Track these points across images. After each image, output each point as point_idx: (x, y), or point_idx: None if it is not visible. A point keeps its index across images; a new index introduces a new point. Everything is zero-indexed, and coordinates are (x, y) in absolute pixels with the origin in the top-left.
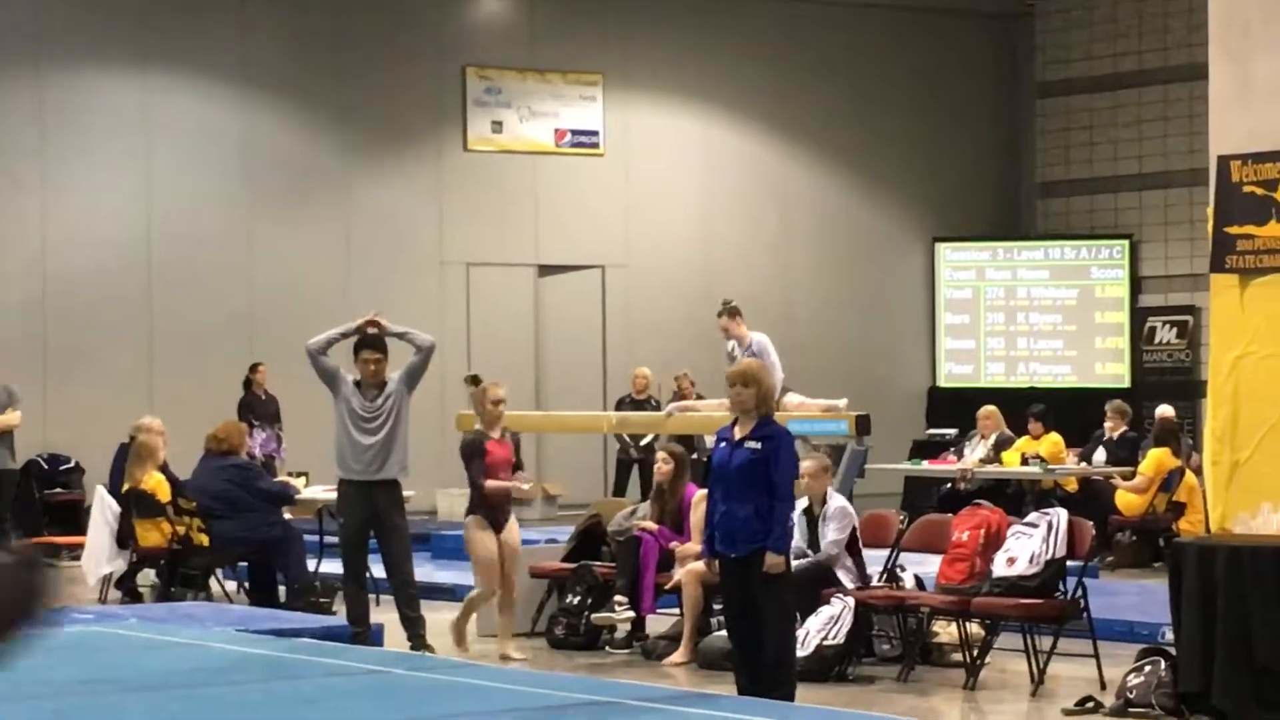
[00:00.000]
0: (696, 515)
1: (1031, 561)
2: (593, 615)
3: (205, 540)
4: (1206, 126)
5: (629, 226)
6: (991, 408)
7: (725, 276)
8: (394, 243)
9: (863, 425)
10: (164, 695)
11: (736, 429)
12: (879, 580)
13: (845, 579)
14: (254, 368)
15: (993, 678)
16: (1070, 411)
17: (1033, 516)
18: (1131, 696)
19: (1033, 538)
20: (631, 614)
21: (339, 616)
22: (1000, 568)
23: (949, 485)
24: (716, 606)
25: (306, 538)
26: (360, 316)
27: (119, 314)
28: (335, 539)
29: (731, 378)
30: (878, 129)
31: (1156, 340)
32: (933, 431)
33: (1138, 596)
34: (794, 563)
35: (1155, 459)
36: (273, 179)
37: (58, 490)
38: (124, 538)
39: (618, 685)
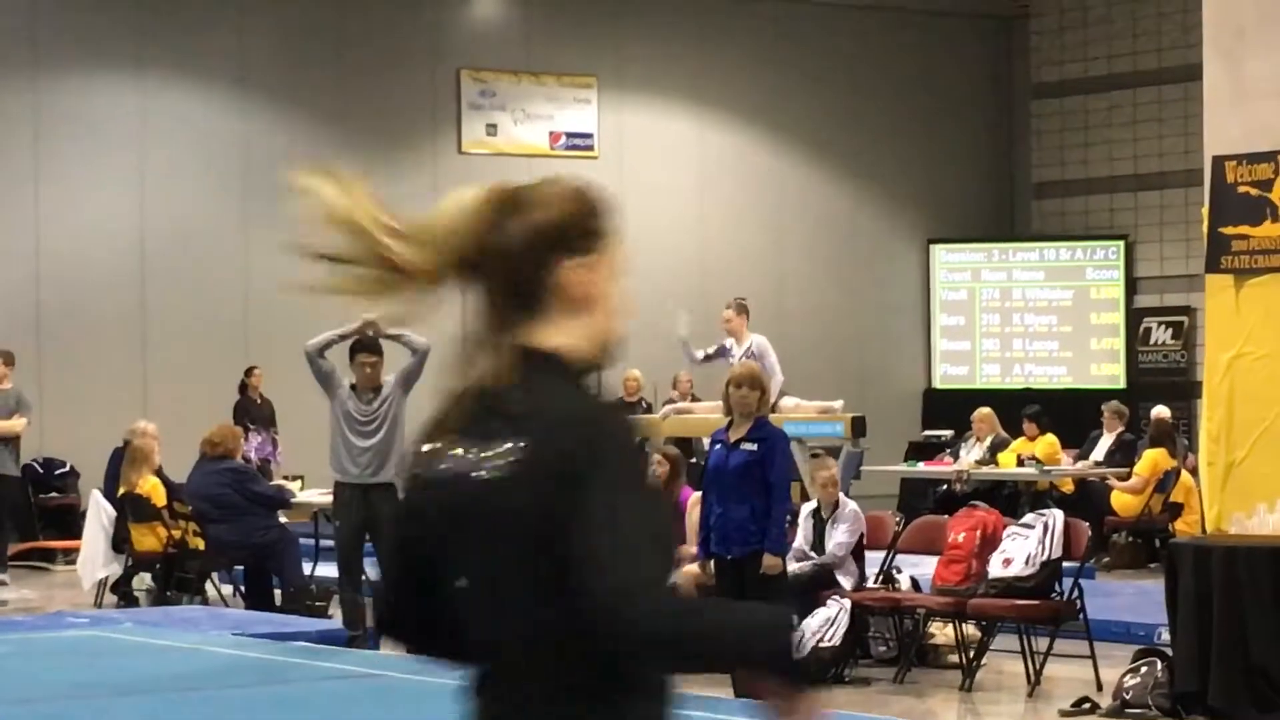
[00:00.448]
0: (693, 517)
1: (1028, 563)
2: None
3: (201, 544)
4: (1201, 127)
5: (623, 229)
6: (987, 409)
7: (719, 279)
8: None
9: (858, 427)
10: (159, 699)
11: (732, 431)
12: (875, 582)
13: (845, 581)
14: (249, 371)
15: (989, 679)
16: (1066, 413)
17: (1029, 518)
18: (1128, 697)
19: (1029, 539)
20: None
21: (335, 620)
22: (996, 569)
23: (945, 487)
24: None
25: (302, 541)
26: (356, 319)
27: (114, 317)
28: (331, 542)
29: (738, 379)
30: (873, 130)
31: (1152, 341)
32: (928, 433)
33: (1134, 597)
34: (797, 565)
35: (1151, 460)
36: (268, 181)
37: (53, 494)
38: (119, 542)
39: None
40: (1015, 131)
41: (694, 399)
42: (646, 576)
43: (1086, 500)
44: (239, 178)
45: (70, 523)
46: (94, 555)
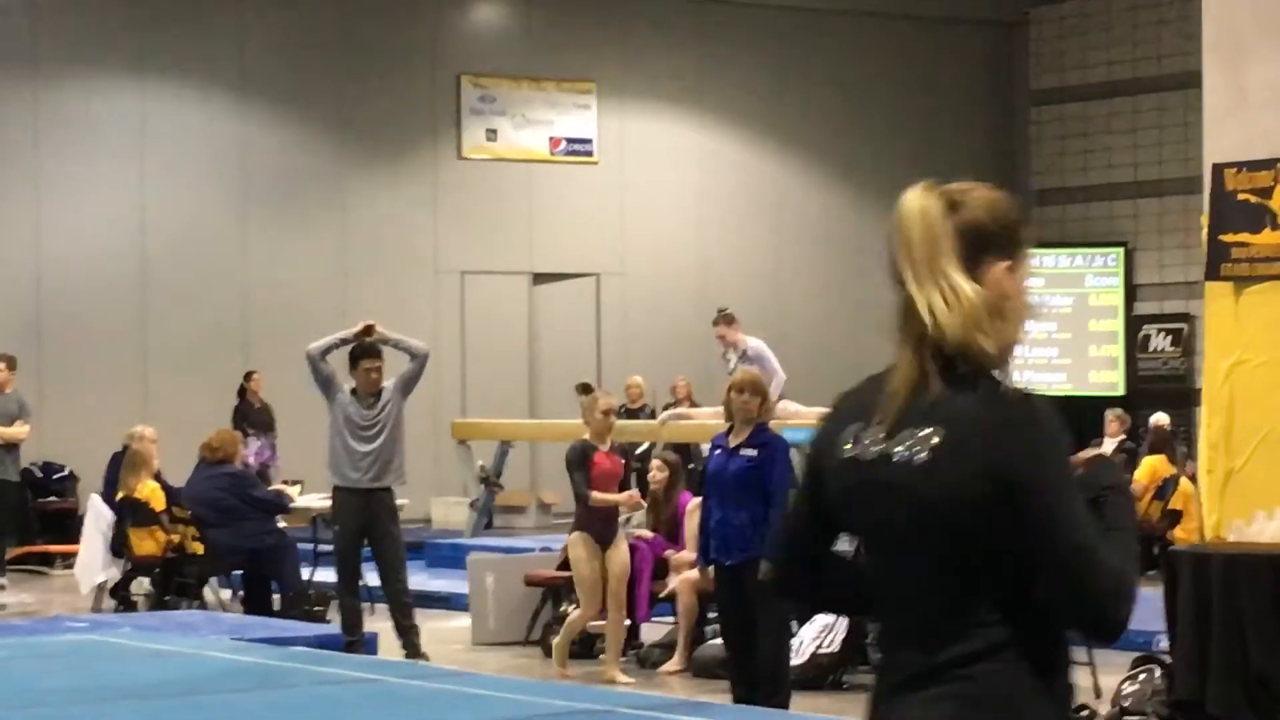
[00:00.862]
0: (692, 523)
1: None
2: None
3: (199, 549)
4: (1201, 134)
5: (624, 235)
6: None
7: (720, 285)
8: (389, 251)
9: None
10: (158, 704)
11: (732, 436)
12: None
13: None
14: (248, 376)
15: None
16: (1065, 419)
17: None
18: (1126, 705)
19: None
20: (626, 622)
21: (333, 625)
22: None
23: None
24: (711, 615)
25: (301, 546)
26: (356, 323)
27: (113, 322)
28: (330, 547)
29: (740, 385)
30: (873, 136)
31: (1151, 348)
32: None
33: None
34: None
35: (1150, 467)
36: (268, 187)
37: (52, 498)
38: (118, 546)
39: (612, 694)
40: (1015, 138)
41: (693, 404)
42: (1120, 570)
43: None
44: (239, 183)
45: (69, 527)
46: (92, 559)
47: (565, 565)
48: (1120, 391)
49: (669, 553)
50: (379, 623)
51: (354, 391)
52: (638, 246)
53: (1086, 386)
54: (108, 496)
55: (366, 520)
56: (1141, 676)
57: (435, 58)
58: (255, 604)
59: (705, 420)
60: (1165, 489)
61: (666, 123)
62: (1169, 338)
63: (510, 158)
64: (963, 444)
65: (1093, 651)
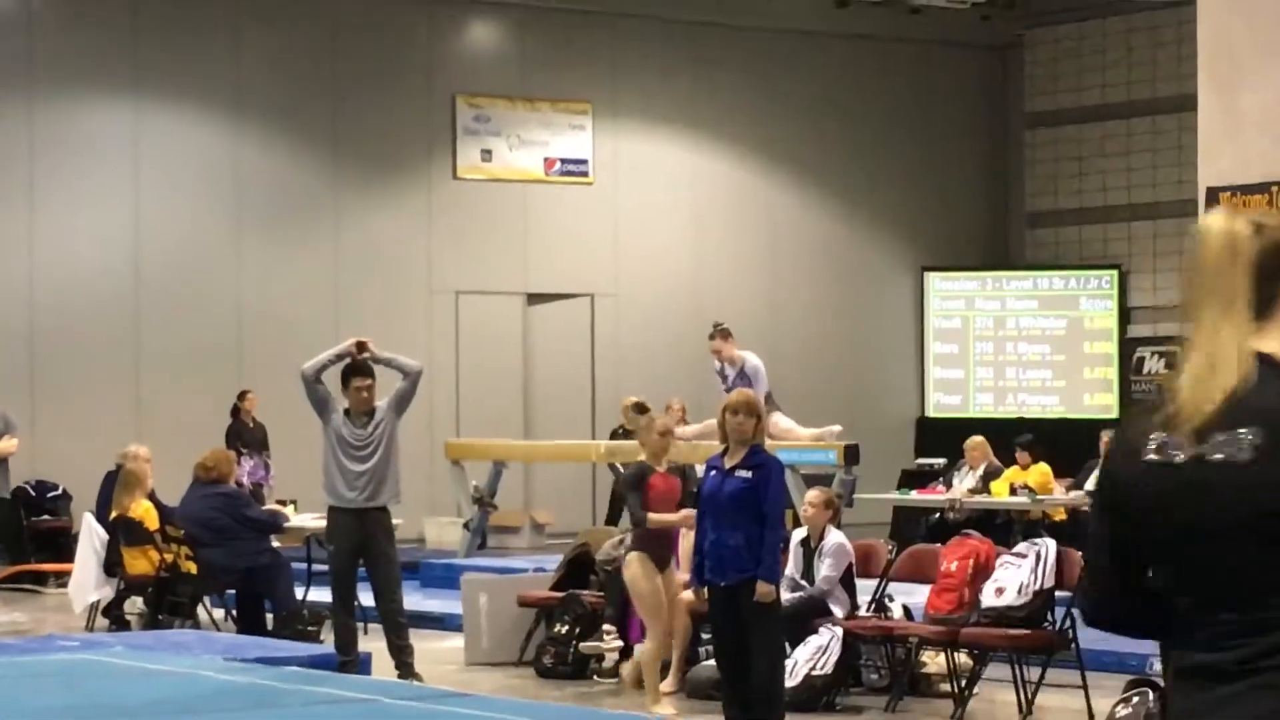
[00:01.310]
0: (686, 544)
1: (1020, 592)
2: (581, 644)
3: (193, 568)
4: (1195, 157)
5: (618, 255)
6: (979, 438)
7: (714, 306)
8: (383, 270)
9: (851, 455)
10: None
11: (727, 458)
12: (867, 610)
13: (837, 609)
14: (242, 395)
15: (981, 708)
16: (1059, 442)
17: (1021, 547)
18: None
19: (1021, 568)
20: (620, 643)
21: (327, 645)
22: (989, 598)
23: (938, 515)
24: (705, 636)
25: (295, 566)
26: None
27: (107, 340)
28: (324, 567)
29: (735, 406)
30: (867, 158)
31: (1145, 370)
32: (921, 461)
33: None
34: (787, 595)
35: None
36: (262, 205)
37: (45, 517)
38: (111, 565)
39: (606, 715)
40: (1009, 161)
41: (685, 423)
42: None
43: (1079, 529)
44: (233, 201)
45: (62, 546)
46: (86, 578)
47: (558, 586)
48: (1115, 414)
49: None
50: (373, 643)
51: (347, 411)
52: (632, 267)
53: (1081, 409)
54: (101, 515)
55: (362, 540)
56: (1135, 699)
57: (430, 78)
58: (249, 624)
59: (694, 440)
60: None
61: (661, 143)
62: (1163, 360)
63: (505, 178)
64: (1274, 440)
65: (1085, 674)
